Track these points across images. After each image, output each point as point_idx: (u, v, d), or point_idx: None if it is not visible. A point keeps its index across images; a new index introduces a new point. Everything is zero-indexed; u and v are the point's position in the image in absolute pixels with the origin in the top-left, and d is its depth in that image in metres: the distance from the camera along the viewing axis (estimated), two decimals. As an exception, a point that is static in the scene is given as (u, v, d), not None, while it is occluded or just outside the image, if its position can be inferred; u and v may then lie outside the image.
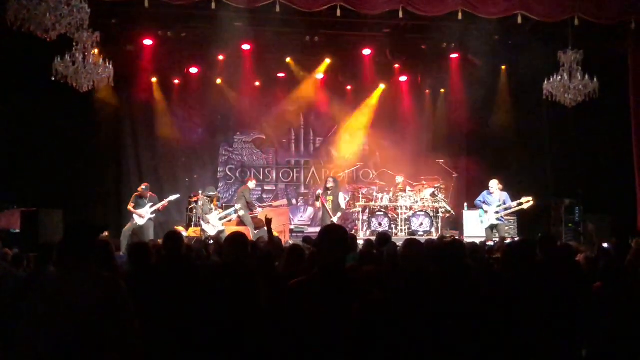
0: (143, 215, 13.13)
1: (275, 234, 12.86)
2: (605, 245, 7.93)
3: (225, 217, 13.70)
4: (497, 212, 12.60)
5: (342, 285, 3.36)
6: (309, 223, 17.39)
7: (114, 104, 15.32)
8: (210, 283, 4.54)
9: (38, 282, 3.61)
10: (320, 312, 3.25)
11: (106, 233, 13.54)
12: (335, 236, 3.51)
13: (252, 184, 14.74)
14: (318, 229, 15.42)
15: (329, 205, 14.23)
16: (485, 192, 12.90)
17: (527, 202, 12.60)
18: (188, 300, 4.43)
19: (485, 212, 12.71)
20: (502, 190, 12.83)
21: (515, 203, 12.66)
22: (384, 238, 7.50)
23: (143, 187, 13.60)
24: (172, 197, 13.70)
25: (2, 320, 4.73)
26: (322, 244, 3.49)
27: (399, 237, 12.69)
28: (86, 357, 3.28)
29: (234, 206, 14.09)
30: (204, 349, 4.23)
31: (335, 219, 13.90)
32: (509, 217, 13.51)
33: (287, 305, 3.39)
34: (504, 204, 12.65)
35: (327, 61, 16.29)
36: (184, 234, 13.65)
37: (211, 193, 14.17)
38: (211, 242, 10.45)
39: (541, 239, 5.61)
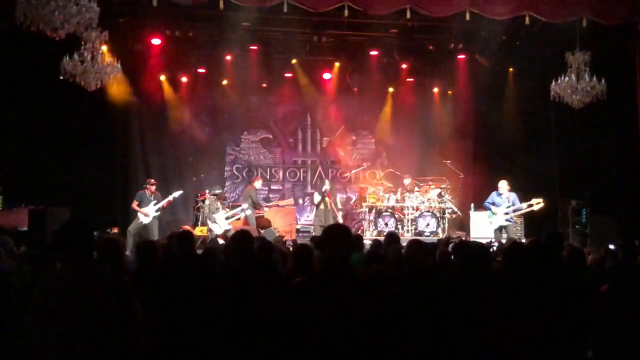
0: (148, 213, 13.06)
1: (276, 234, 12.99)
2: (611, 246, 7.89)
3: (232, 217, 13.69)
4: (506, 214, 12.54)
5: (346, 284, 3.36)
6: (314, 223, 17.39)
7: (122, 103, 15.34)
8: (217, 282, 4.55)
9: (43, 278, 3.62)
10: (324, 311, 3.25)
11: (115, 229, 13.58)
12: (340, 235, 3.51)
13: (258, 184, 14.69)
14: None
15: (329, 205, 14.29)
16: (494, 193, 12.84)
17: (537, 203, 12.54)
18: (197, 299, 4.43)
19: (494, 213, 12.66)
20: (511, 191, 12.79)
21: (525, 204, 12.60)
22: (393, 238, 7.51)
23: (151, 180, 13.59)
24: (176, 194, 13.54)
25: (10, 316, 4.77)
26: (327, 243, 3.49)
27: (406, 238, 12.68)
28: (90, 352, 3.30)
29: (240, 205, 14.09)
30: (209, 347, 4.24)
31: (340, 219, 14.06)
32: (516, 219, 13.48)
33: (290, 304, 3.39)
34: (513, 204, 12.59)
35: (334, 61, 16.32)
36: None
37: (217, 191, 14.16)
38: (221, 241, 10.51)
39: (548, 239, 5.58)
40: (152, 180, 13.59)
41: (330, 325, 3.23)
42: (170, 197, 13.37)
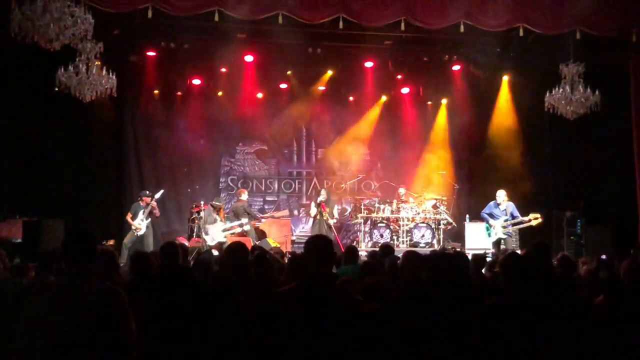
0: (140, 227, 12.97)
1: (275, 244, 12.90)
2: (603, 257, 7.90)
3: (229, 229, 13.57)
4: (504, 227, 12.51)
5: (328, 295, 3.35)
6: (311, 234, 17.36)
7: (117, 114, 15.33)
8: (209, 293, 4.53)
9: (37, 290, 3.60)
10: (305, 322, 3.23)
11: (111, 242, 13.52)
12: (321, 246, 3.51)
13: (244, 196, 14.44)
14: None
15: (325, 216, 14.25)
16: (492, 203, 12.81)
17: (535, 219, 12.50)
18: (184, 310, 4.41)
19: (492, 226, 12.62)
20: (508, 200, 12.78)
21: (526, 218, 12.53)
22: (388, 249, 7.51)
23: (147, 192, 13.48)
24: (157, 195, 13.39)
25: (3, 328, 4.74)
26: (309, 255, 3.48)
27: (401, 249, 12.68)
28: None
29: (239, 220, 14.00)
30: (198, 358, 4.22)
31: (333, 230, 14.12)
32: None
33: (270, 314, 3.37)
34: (511, 216, 12.55)
35: (329, 73, 16.36)
36: (186, 243, 13.58)
37: (217, 203, 14.08)
38: (215, 252, 10.44)
39: (537, 248, 5.56)
40: (148, 192, 13.51)
41: (311, 335, 3.22)
42: (152, 202, 13.21)
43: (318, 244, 3.53)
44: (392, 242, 14.19)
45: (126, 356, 3.41)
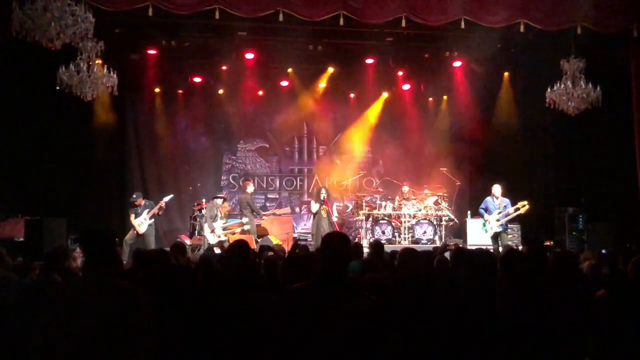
0: (139, 230, 12.94)
1: (277, 241, 12.90)
2: (603, 251, 7.88)
3: (229, 228, 13.55)
4: (497, 220, 12.49)
5: (342, 293, 3.32)
6: (312, 230, 17.34)
7: (118, 113, 15.34)
8: (212, 290, 4.53)
9: (52, 290, 3.58)
10: (318, 320, 3.22)
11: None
12: (339, 243, 3.47)
13: (250, 188, 14.46)
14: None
15: (324, 214, 14.24)
16: (488, 198, 12.79)
17: (522, 206, 12.49)
18: (188, 308, 4.41)
19: (487, 221, 12.61)
20: (504, 195, 12.77)
21: (512, 209, 12.54)
22: (379, 246, 7.54)
23: (134, 195, 13.44)
24: (166, 198, 13.43)
25: (7, 327, 4.75)
26: (325, 251, 3.44)
27: (402, 245, 12.68)
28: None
29: (239, 216, 14.00)
30: (206, 356, 4.22)
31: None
32: (512, 225, 13.48)
33: (283, 312, 3.34)
34: (505, 209, 12.55)
35: (330, 70, 16.36)
36: (187, 242, 13.59)
37: (218, 194, 14.07)
38: (217, 251, 10.46)
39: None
40: (135, 194, 13.46)
41: (324, 333, 3.21)
42: (162, 202, 13.24)
43: (336, 243, 3.48)
44: (393, 238, 14.22)
45: (147, 354, 3.39)
